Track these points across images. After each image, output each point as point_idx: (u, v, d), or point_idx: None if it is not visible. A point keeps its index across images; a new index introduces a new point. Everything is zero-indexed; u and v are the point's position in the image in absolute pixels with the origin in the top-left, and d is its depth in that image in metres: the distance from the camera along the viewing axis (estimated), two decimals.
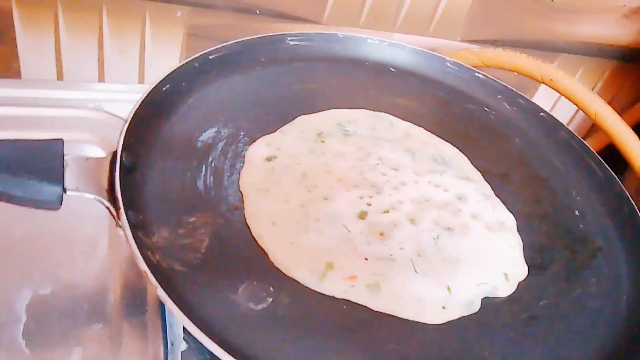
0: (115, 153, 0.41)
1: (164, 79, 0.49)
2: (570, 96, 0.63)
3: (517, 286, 0.43)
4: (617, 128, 0.60)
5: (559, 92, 0.63)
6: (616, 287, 0.45)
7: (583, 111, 0.63)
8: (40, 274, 0.42)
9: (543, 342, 0.40)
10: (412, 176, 0.47)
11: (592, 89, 0.82)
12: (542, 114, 0.59)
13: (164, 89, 0.49)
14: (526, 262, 0.45)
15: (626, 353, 0.40)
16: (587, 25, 0.74)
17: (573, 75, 0.80)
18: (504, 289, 0.42)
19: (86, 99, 0.57)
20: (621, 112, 0.79)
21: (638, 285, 0.45)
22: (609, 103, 0.81)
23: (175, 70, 0.50)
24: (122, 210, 0.37)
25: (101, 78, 0.65)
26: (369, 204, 0.44)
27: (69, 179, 0.38)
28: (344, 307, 0.39)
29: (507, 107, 0.60)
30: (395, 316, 0.39)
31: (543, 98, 0.82)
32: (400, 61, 0.62)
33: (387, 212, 0.44)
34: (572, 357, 0.40)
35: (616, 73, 0.80)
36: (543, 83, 0.64)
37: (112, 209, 0.38)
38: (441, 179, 0.48)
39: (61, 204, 0.37)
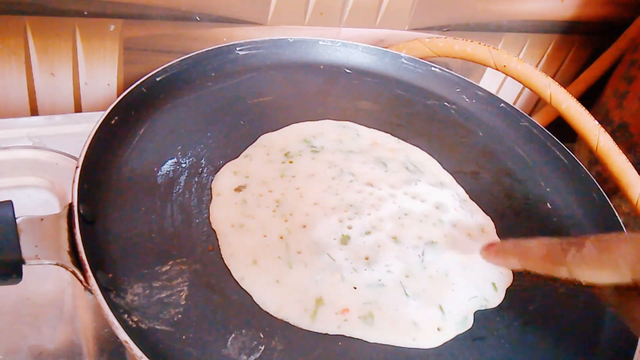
0: (71, 206, 0.37)
1: (111, 110, 0.45)
2: (524, 81, 0.63)
3: (506, 293, 0.42)
4: (573, 110, 0.60)
5: (513, 78, 0.63)
6: None
7: (538, 94, 0.63)
8: (4, 349, 0.38)
9: (539, 348, 0.40)
10: (388, 189, 0.46)
11: (538, 64, 0.83)
12: (502, 104, 0.59)
13: (112, 122, 0.45)
14: None
15: (617, 348, 0.41)
16: (528, 3, 0.74)
17: (518, 52, 0.80)
18: (494, 299, 0.42)
19: (23, 137, 0.51)
20: (567, 83, 0.81)
21: None
22: (555, 76, 0.83)
23: (122, 98, 0.46)
24: (89, 273, 0.34)
25: (33, 105, 0.59)
26: (349, 227, 0.42)
27: (26, 247, 0.34)
28: (339, 343, 0.37)
29: (467, 100, 0.59)
30: (393, 345, 0.37)
31: (490, 79, 0.82)
32: (354, 61, 0.60)
33: (369, 233, 0.42)
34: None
35: (559, 46, 0.81)
36: (496, 69, 0.64)
37: (78, 273, 0.35)
38: (416, 188, 0.46)
39: (21, 276, 0.34)
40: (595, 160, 0.68)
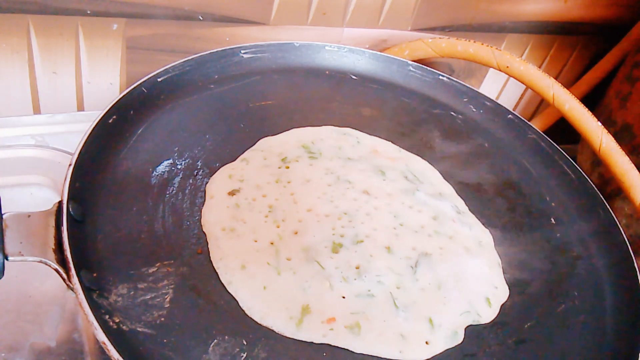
0: (60, 204, 0.37)
1: (109, 109, 0.45)
2: (527, 82, 0.61)
3: (500, 309, 0.41)
4: (576, 111, 0.59)
5: (516, 78, 0.62)
6: (599, 297, 0.44)
7: (540, 95, 0.61)
8: (6, 346, 0.38)
9: None
10: (385, 198, 0.45)
11: (541, 65, 0.81)
12: (509, 115, 0.57)
13: (110, 120, 0.44)
14: (507, 281, 0.43)
15: None
16: (531, 4, 0.73)
17: (521, 53, 0.79)
18: (487, 315, 0.41)
19: (25, 135, 0.51)
20: (570, 84, 0.80)
21: (619, 292, 0.45)
22: (558, 77, 0.82)
23: (121, 97, 0.46)
24: (72, 272, 0.34)
25: (35, 104, 0.59)
26: (342, 235, 0.41)
27: (10, 243, 0.34)
28: (324, 354, 0.36)
29: (474, 110, 0.58)
30: (379, 357, 0.37)
31: (492, 82, 0.80)
32: (361, 67, 0.59)
33: (362, 241, 0.41)
34: None
35: (562, 47, 0.80)
36: (499, 70, 0.62)
37: (61, 271, 0.34)
38: (414, 198, 0.46)
39: (3, 272, 0.33)
40: (597, 161, 0.67)
